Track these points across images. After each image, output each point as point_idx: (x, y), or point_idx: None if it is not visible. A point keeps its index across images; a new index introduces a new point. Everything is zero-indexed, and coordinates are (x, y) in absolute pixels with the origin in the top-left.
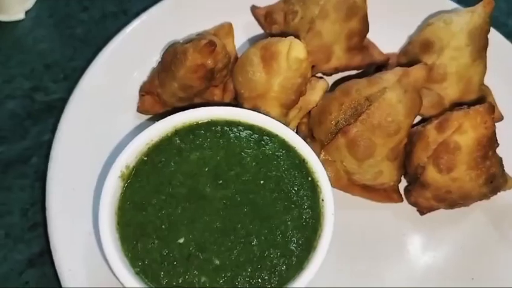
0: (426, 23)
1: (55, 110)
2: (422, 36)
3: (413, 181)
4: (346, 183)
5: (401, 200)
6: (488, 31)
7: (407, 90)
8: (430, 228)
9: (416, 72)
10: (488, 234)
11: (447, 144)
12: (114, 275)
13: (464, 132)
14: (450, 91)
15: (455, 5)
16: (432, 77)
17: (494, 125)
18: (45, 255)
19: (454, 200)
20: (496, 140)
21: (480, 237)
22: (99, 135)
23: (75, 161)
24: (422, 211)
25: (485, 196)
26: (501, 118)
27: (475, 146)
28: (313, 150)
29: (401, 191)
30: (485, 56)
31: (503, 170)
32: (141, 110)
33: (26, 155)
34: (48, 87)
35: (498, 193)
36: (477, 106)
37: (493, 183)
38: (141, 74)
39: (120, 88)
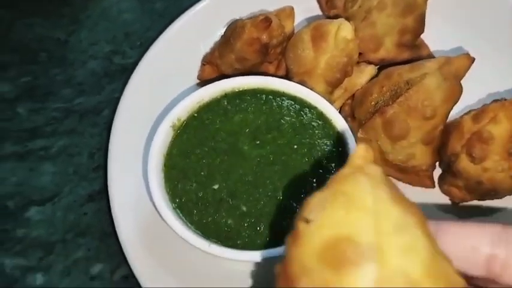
0: None
1: (129, 71)
2: None
3: (447, 170)
4: (379, 162)
5: (433, 186)
6: None
7: (447, 78)
8: (460, 218)
9: (459, 62)
10: None
11: (480, 134)
12: (155, 207)
13: (499, 122)
14: None
15: None
16: None
17: None
18: (102, 194)
19: (484, 191)
20: None
21: None
22: (161, 96)
23: (137, 117)
24: (455, 201)
25: None
26: None
27: (509, 137)
28: (352, 128)
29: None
30: None
31: None
32: (200, 77)
33: (99, 107)
34: (126, 52)
35: None
36: None
37: None
38: (206, 47)
39: (185, 57)
